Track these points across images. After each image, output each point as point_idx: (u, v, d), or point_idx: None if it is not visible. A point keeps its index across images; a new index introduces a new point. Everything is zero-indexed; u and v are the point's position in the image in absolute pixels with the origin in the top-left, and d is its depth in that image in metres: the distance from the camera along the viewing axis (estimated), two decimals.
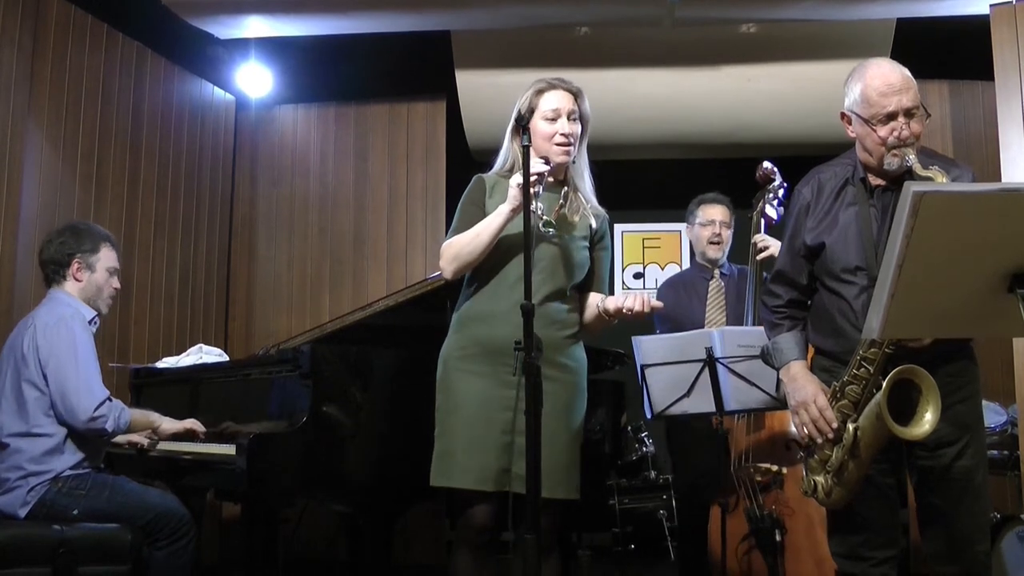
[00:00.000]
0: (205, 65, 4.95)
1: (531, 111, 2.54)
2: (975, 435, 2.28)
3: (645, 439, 4.90)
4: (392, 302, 3.26)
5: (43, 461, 2.85)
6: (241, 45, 4.87)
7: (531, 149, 2.34)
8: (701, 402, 3.02)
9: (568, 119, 2.53)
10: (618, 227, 6.07)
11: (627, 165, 5.37)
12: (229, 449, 2.84)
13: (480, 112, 5.15)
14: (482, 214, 2.53)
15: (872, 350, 2.17)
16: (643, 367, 3.09)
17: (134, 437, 3.18)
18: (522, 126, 2.39)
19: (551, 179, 2.53)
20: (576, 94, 2.57)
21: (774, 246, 3.26)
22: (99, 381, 2.93)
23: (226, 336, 5.17)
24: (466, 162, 5.12)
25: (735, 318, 3.57)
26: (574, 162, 2.60)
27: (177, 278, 4.78)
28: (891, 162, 2.21)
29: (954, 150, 4.71)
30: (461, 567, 2.49)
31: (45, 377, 2.88)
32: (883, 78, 2.22)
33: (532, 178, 2.31)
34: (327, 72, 5.19)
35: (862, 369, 2.19)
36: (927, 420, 2.11)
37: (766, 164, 3.44)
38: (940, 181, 2.08)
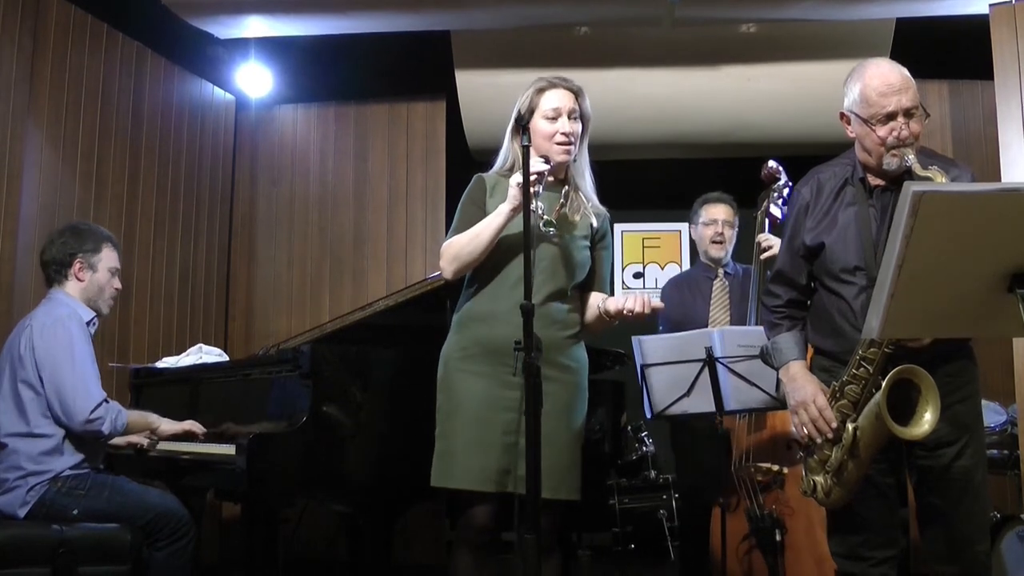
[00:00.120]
0: (205, 65, 4.95)
1: (531, 110, 2.53)
2: (974, 435, 2.28)
3: (645, 439, 4.90)
4: (392, 302, 3.26)
5: (42, 461, 2.85)
6: (241, 45, 4.87)
7: (531, 148, 2.34)
8: (701, 402, 3.03)
9: (569, 118, 2.53)
10: (618, 227, 6.07)
11: (627, 165, 5.37)
12: (229, 449, 2.84)
13: (480, 112, 5.15)
14: (482, 214, 2.53)
15: (871, 350, 2.17)
16: (643, 367, 3.09)
17: (133, 438, 3.18)
18: (522, 126, 2.39)
19: (551, 178, 2.52)
20: (577, 93, 2.57)
21: (778, 245, 3.26)
22: (96, 383, 2.93)
23: (226, 336, 5.17)
24: (466, 162, 5.11)
25: (739, 318, 3.57)
26: (575, 161, 2.60)
27: (177, 278, 4.78)
28: (890, 162, 2.21)
29: (954, 150, 4.71)
30: (461, 567, 2.49)
31: (41, 378, 2.88)
32: (882, 78, 2.22)
33: (532, 177, 2.31)
34: (327, 72, 5.20)
35: (861, 369, 2.19)
36: (926, 420, 2.11)
37: (771, 163, 3.43)
38: (939, 181, 2.08)
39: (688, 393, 3.03)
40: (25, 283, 3.71)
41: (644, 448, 4.87)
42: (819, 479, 2.28)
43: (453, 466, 2.44)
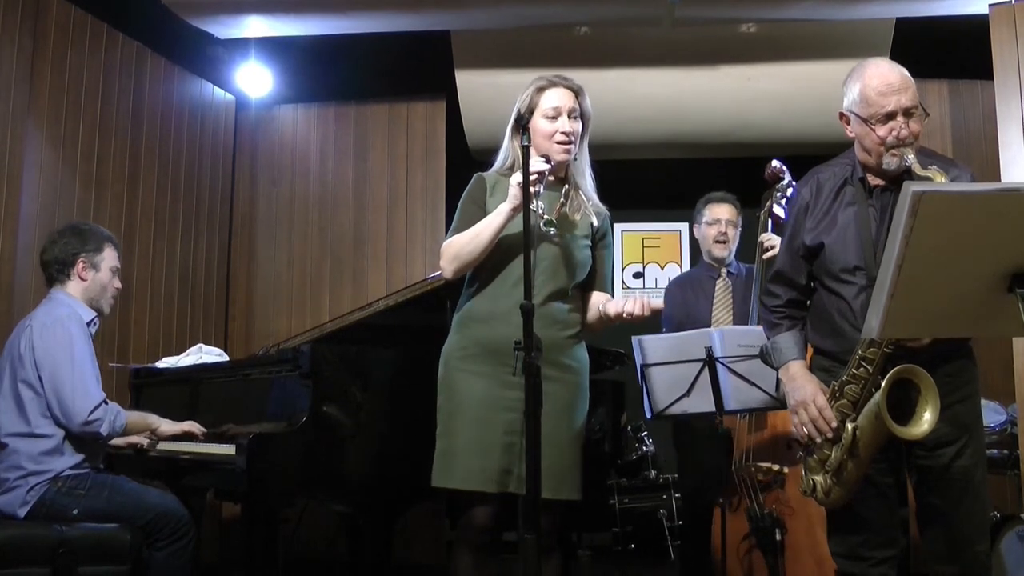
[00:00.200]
0: (205, 65, 4.95)
1: (531, 109, 2.53)
2: (974, 435, 2.28)
3: (645, 439, 4.90)
4: (392, 302, 3.26)
5: (42, 461, 2.85)
6: (241, 45, 4.87)
7: (531, 148, 2.33)
8: (701, 402, 3.02)
9: (569, 117, 2.53)
10: (618, 227, 6.07)
11: (627, 165, 5.37)
12: (229, 449, 2.83)
13: (480, 112, 5.15)
14: (482, 213, 2.52)
15: (871, 350, 2.17)
16: (643, 367, 3.09)
17: (133, 438, 3.18)
18: (522, 126, 2.38)
19: (552, 177, 2.52)
20: (577, 92, 2.56)
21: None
22: (95, 383, 2.93)
23: (226, 336, 5.17)
24: (466, 162, 5.11)
25: (741, 317, 3.57)
26: (575, 160, 2.59)
27: (177, 278, 4.78)
28: (889, 162, 2.21)
29: (953, 150, 4.71)
30: (461, 567, 2.49)
31: (41, 378, 2.88)
32: (882, 78, 2.22)
33: (533, 177, 2.30)
34: (327, 72, 5.20)
35: (861, 369, 2.19)
36: (926, 420, 2.11)
37: (775, 163, 3.42)
38: (939, 181, 2.08)
39: (688, 393, 3.03)
40: (25, 283, 3.71)
41: (644, 448, 4.87)
42: (819, 479, 2.28)
43: (454, 466, 2.44)
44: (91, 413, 2.85)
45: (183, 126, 4.88)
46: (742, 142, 5.37)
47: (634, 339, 3.12)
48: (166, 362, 3.84)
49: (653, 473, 4.83)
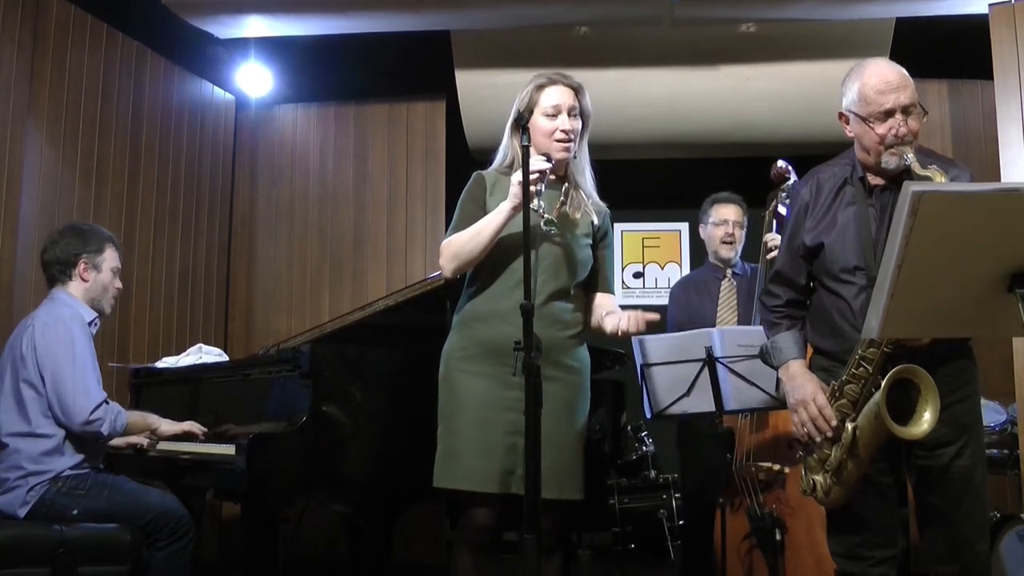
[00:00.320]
0: (205, 65, 4.95)
1: (531, 107, 2.51)
2: (974, 435, 2.28)
3: (645, 439, 4.90)
4: (392, 302, 3.26)
5: (43, 461, 2.85)
6: (241, 45, 4.87)
7: (531, 147, 2.33)
8: (701, 402, 3.02)
9: (569, 115, 2.52)
10: (618, 227, 6.06)
11: (627, 164, 5.37)
12: (229, 449, 2.83)
13: (480, 112, 5.15)
14: (482, 212, 2.52)
15: (871, 349, 2.17)
16: (643, 366, 3.09)
17: (133, 438, 3.18)
18: (521, 125, 2.35)
19: (552, 176, 2.50)
20: (577, 90, 2.56)
21: None
22: (96, 383, 2.93)
23: (226, 336, 5.17)
24: (466, 162, 5.11)
25: (746, 317, 3.57)
26: (575, 158, 2.59)
27: (177, 277, 4.78)
28: (889, 160, 2.21)
29: (953, 150, 4.71)
30: (461, 567, 2.49)
31: (43, 378, 2.88)
32: (880, 76, 2.22)
33: (533, 176, 2.29)
34: (327, 72, 5.19)
35: (861, 368, 2.19)
36: (926, 420, 2.11)
37: (780, 163, 3.42)
38: (939, 180, 2.08)
39: (688, 393, 3.03)
40: (25, 283, 3.71)
41: (644, 448, 4.86)
42: (818, 478, 2.28)
43: (456, 467, 2.44)
44: (92, 413, 2.85)
45: (183, 126, 4.88)
46: (742, 142, 5.37)
47: (634, 339, 3.12)
48: (166, 362, 3.84)
49: (653, 473, 4.83)
